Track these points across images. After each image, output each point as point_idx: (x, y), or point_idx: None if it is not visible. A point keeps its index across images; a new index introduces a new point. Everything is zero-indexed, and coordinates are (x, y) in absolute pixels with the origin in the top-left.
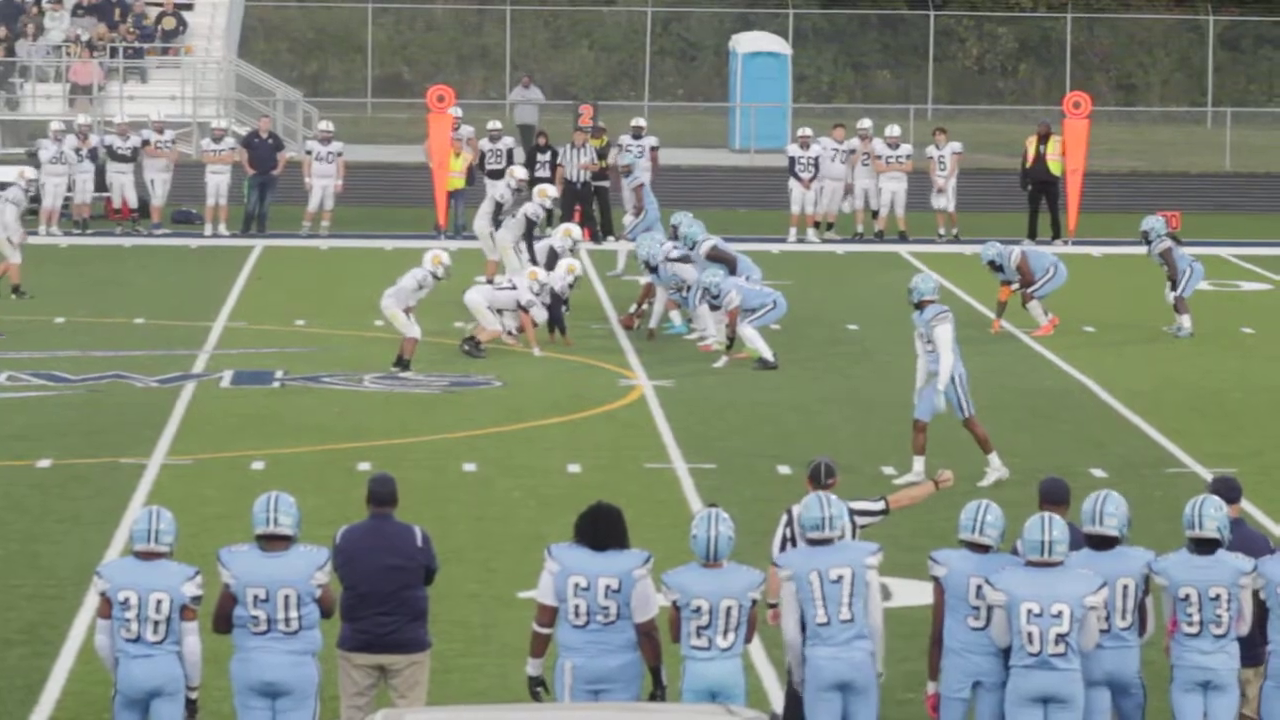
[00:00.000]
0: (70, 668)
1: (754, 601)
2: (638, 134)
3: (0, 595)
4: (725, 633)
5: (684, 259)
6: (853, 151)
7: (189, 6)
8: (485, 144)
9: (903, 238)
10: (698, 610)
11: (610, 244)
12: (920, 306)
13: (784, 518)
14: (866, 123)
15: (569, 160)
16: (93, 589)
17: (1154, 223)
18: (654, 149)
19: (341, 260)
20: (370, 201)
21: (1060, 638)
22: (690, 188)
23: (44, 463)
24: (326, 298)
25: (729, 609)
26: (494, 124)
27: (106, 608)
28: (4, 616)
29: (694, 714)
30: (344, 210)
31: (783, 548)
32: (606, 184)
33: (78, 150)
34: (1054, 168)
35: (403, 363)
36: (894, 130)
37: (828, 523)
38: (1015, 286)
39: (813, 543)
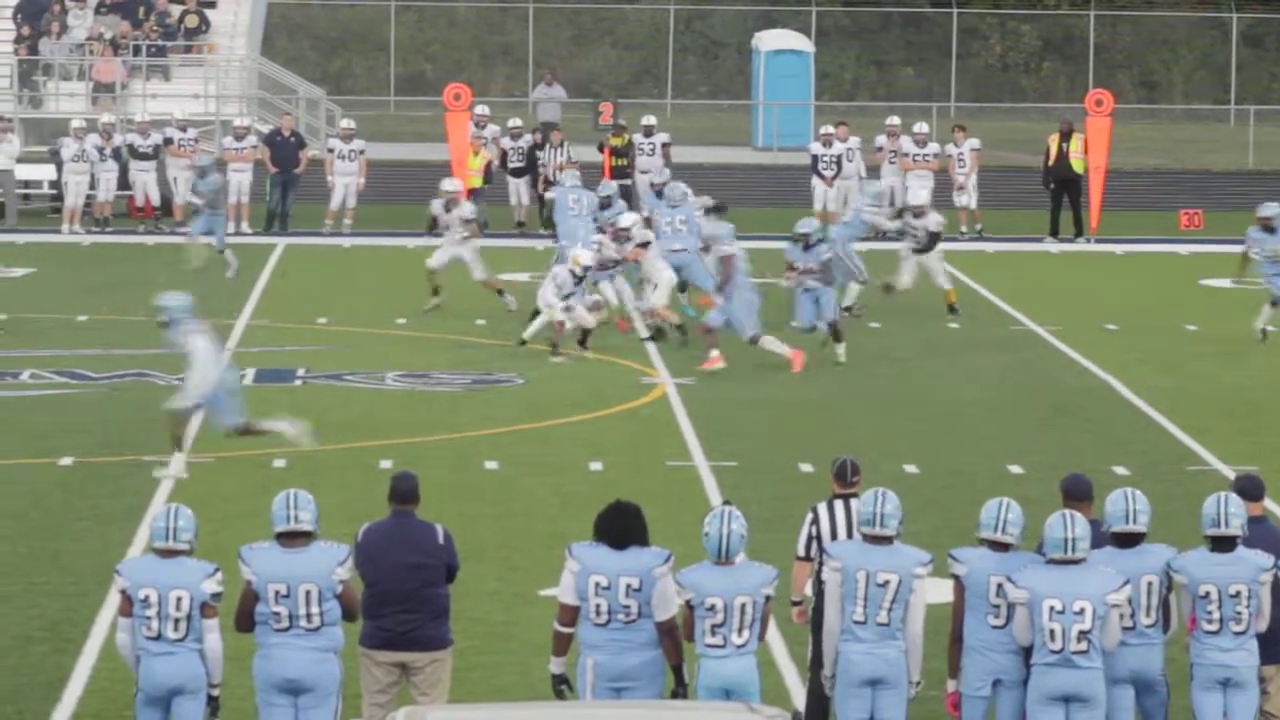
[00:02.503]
0: (93, 665)
1: (767, 598)
2: (648, 132)
3: (23, 593)
4: (740, 630)
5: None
6: (879, 149)
7: (212, 4)
8: (507, 142)
9: None
10: (712, 608)
11: None
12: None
13: (809, 515)
14: (894, 120)
15: (548, 160)
16: (113, 587)
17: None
18: (665, 145)
19: (364, 258)
20: (392, 199)
21: (1083, 635)
22: (712, 185)
23: (66, 460)
24: (349, 296)
25: (743, 606)
26: (515, 121)
27: (127, 605)
28: (26, 614)
29: (716, 712)
30: (366, 208)
31: (808, 546)
32: (629, 181)
33: (101, 149)
34: (1076, 165)
35: (584, 343)
36: (922, 128)
37: (879, 519)
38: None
39: (868, 539)
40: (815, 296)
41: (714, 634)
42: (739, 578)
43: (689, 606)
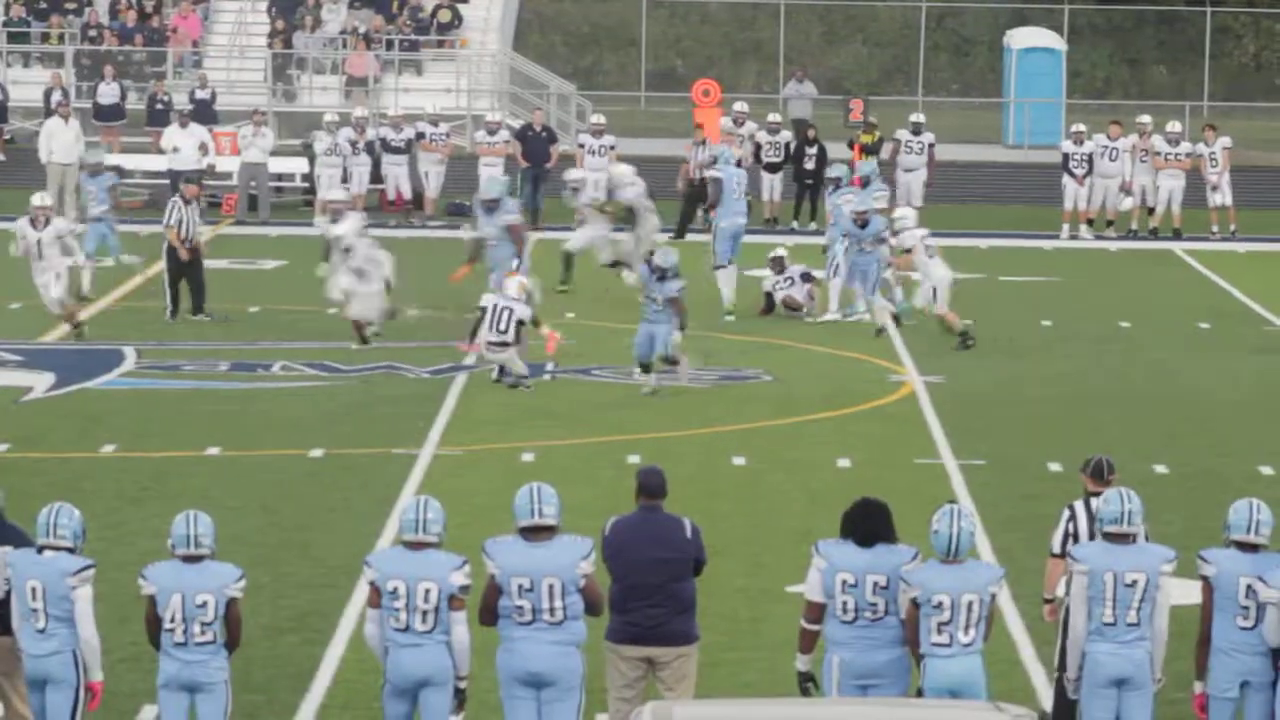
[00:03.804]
0: (341, 656)
1: (993, 596)
2: (917, 130)
3: (272, 583)
4: (966, 628)
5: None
6: (1146, 151)
7: (465, 0)
8: (764, 136)
9: (1177, 235)
10: (939, 606)
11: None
12: None
13: (1065, 513)
14: (1145, 119)
15: (692, 158)
16: (362, 578)
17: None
18: (931, 145)
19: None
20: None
21: None
22: (963, 183)
23: (316, 452)
24: (598, 290)
25: (970, 604)
26: (774, 116)
27: (375, 597)
28: (276, 604)
29: (963, 710)
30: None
31: (1064, 543)
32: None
33: (354, 143)
34: None
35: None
36: (1175, 127)
37: (1127, 517)
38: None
39: (1110, 537)
40: (652, 331)
41: (940, 632)
42: (966, 576)
43: (914, 605)
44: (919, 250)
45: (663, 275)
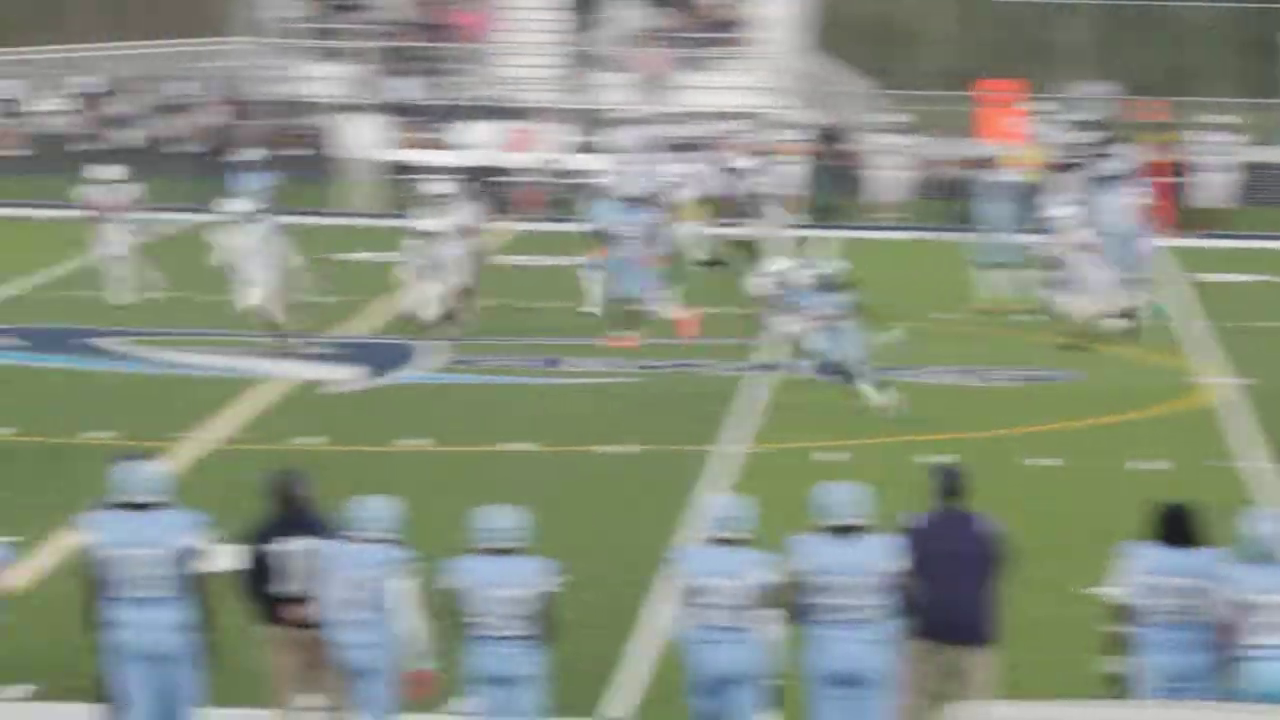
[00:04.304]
0: (644, 652)
1: None
2: (1218, 131)
3: (574, 579)
4: None
5: None
6: None
7: None
8: (1060, 136)
9: None
10: (1256, 608)
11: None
12: None
13: None
14: None
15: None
16: (669, 574)
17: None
18: (1232, 146)
19: (917, 252)
20: (939, 195)
21: None
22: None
23: (617, 448)
24: (909, 289)
25: None
26: (1071, 117)
27: (684, 593)
28: (578, 599)
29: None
30: (915, 202)
31: None
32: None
33: (647, 141)
34: None
35: None
36: None
37: None
38: None
39: None
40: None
41: (1261, 634)
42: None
43: (1229, 606)
44: (1079, 246)
45: (828, 287)
